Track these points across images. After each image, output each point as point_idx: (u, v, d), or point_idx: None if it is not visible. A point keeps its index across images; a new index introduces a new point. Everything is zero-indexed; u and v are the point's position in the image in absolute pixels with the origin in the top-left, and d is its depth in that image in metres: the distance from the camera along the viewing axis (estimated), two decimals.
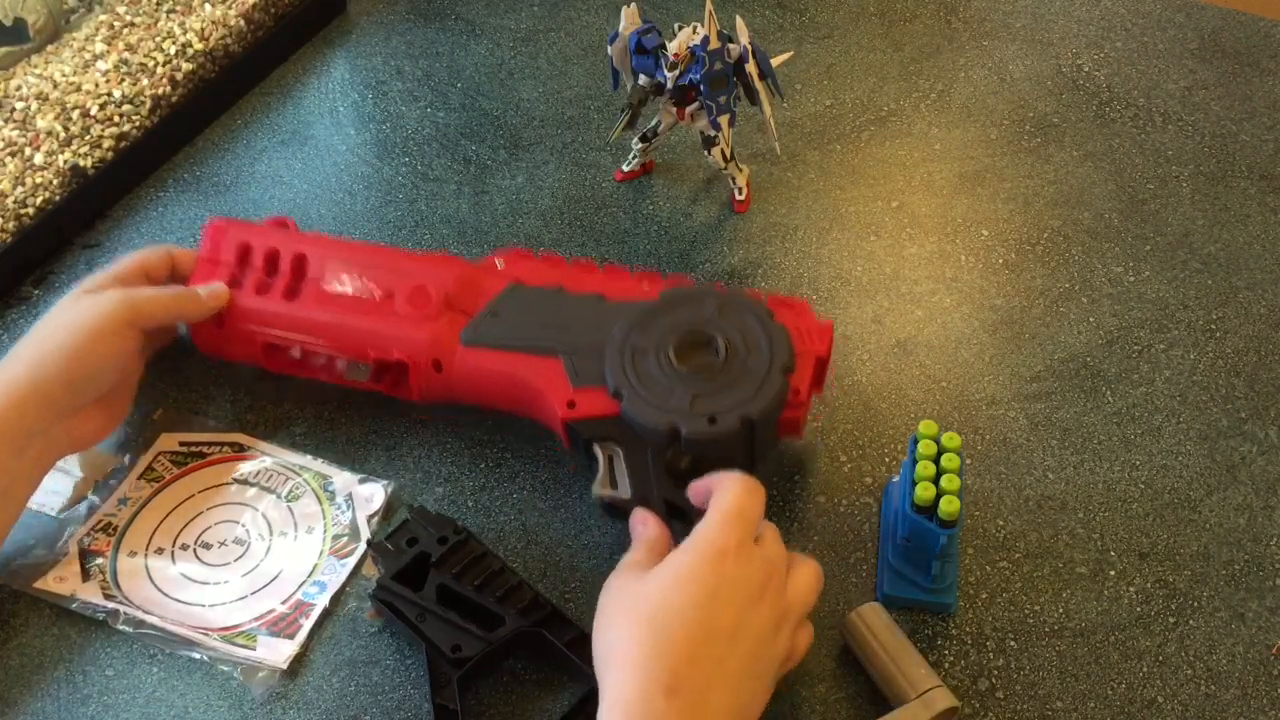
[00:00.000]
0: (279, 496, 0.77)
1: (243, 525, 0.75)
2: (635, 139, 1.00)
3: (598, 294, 0.72)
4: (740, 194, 0.99)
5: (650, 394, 0.65)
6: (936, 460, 0.69)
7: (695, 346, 0.66)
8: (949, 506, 0.67)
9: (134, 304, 0.73)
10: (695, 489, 0.64)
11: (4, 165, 0.91)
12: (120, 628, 0.70)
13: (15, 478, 0.69)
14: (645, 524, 0.65)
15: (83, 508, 0.76)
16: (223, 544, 0.74)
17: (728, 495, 0.60)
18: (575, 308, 0.71)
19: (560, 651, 0.67)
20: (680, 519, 0.65)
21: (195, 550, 0.74)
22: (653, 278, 0.75)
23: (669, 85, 0.91)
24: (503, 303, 0.72)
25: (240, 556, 0.73)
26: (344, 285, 0.75)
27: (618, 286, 0.73)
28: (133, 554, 0.73)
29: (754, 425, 0.65)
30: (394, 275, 0.75)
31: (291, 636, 0.69)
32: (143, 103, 1.00)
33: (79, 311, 0.72)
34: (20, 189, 0.91)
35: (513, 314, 0.72)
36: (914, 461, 0.69)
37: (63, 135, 0.95)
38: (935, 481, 0.68)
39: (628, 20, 0.92)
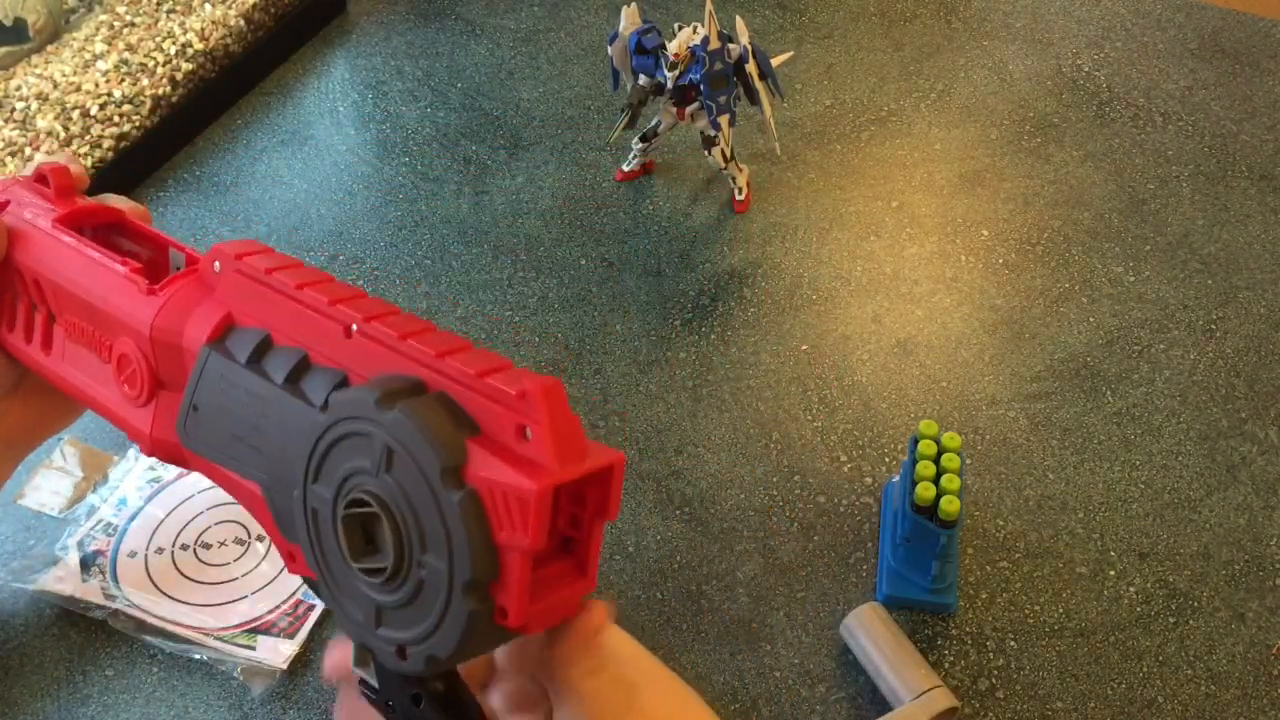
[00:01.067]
0: None
1: (243, 525, 0.75)
2: (635, 139, 1.00)
3: (302, 353, 0.45)
4: (740, 194, 0.99)
5: (340, 588, 0.42)
6: (936, 460, 0.69)
7: (363, 528, 0.41)
8: (949, 506, 0.67)
9: None
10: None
11: (4, 165, 0.91)
12: (120, 628, 0.70)
13: None
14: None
15: (83, 508, 0.76)
16: (223, 544, 0.74)
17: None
18: (267, 397, 0.45)
19: None
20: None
21: (195, 550, 0.74)
22: (382, 324, 0.43)
23: (669, 85, 0.91)
24: (201, 386, 0.48)
25: (240, 556, 0.73)
26: (75, 337, 0.55)
27: (324, 342, 0.44)
28: (133, 554, 0.73)
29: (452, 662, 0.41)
30: (105, 326, 0.53)
31: (291, 636, 0.69)
32: (143, 103, 1.00)
33: None
34: None
35: (212, 407, 0.47)
36: (914, 461, 0.69)
37: (63, 135, 0.95)
38: (935, 481, 0.68)
39: (628, 20, 0.92)
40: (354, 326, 0.42)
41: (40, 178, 0.59)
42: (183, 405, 0.49)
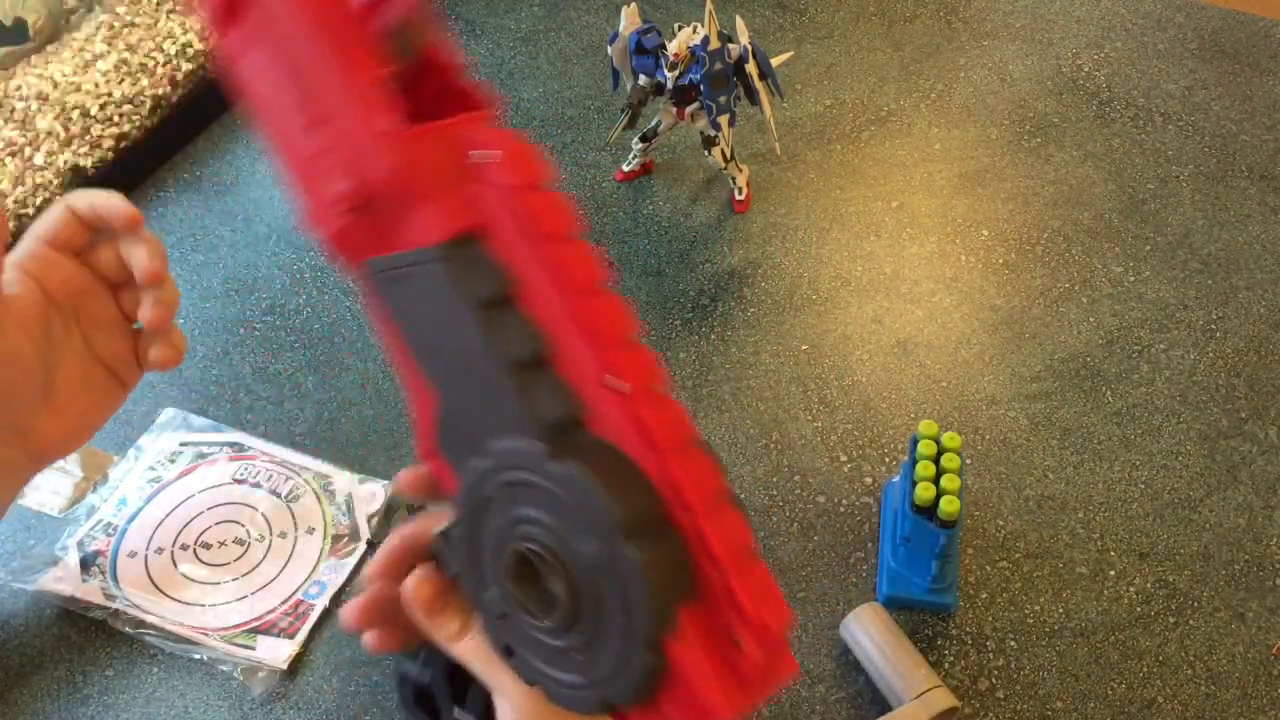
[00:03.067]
0: (279, 496, 0.77)
1: (243, 525, 0.75)
2: (635, 139, 1.00)
3: (541, 344, 0.39)
4: (740, 194, 0.99)
5: (542, 659, 0.40)
6: (936, 460, 0.69)
7: (534, 578, 0.39)
8: (949, 506, 0.67)
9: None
10: None
11: (4, 165, 0.91)
12: (120, 628, 0.70)
13: None
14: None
15: (83, 508, 0.76)
16: (223, 544, 0.74)
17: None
18: (483, 370, 0.39)
19: None
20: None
21: (195, 550, 0.74)
22: (657, 420, 0.39)
23: (669, 85, 0.91)
24: (424, 258, 0.39)
25: (240, 556, 0.73)
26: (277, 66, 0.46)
27: (576, 358, 0.39)
28: (133, 554, 0.73)
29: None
30: (325, 99, 0.41)
31: (291, 636, 0.69)
32: (143, 103, 1.00)
33: None
34: (20, 189, 0.91)
35: (424, 285, 0.40)
36: (914, 461, 0.69)
37: (63, 135, 0.95)
38: (935, 481, 0.68)
39: (628, 20, 0.92)
40: (609, 379, 0.38)
41: None
42: (396, 254, 0.40)
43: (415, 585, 0.43)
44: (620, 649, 0.38)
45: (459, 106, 0.41)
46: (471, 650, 0.44)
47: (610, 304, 0.39)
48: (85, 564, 0.72)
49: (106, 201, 0.58)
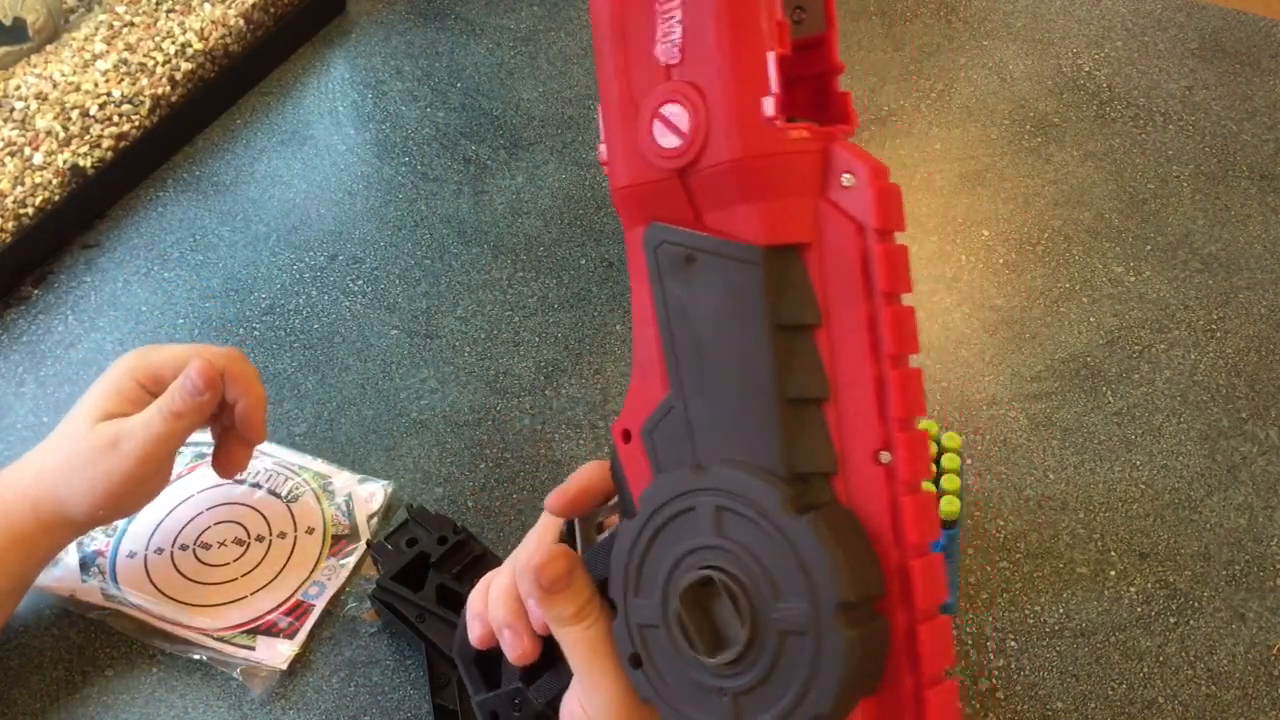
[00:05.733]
0: (279, 496, 0.77)
1: (242, 525, 0.75)
2: None
3: (826, 386, 0.37)
4: None
5: (674, 685, 0.39)
6: (937, 460, 0.69)
7: (706, 605, 0.38)
8: (949, 506, 0.67)
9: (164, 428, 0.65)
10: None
11: (4, 165, 0.91)
12: (120, 628, 0.70)
13: (29, 579, 0.68)
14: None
15: None
16: (222, 544, 0.74)
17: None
18: (777, 372, 0.37)
19: None
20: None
21: (195, 550, 0.74)
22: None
23: None
24: (740, 254, 0.37)
25: (240, 557, 0.73)
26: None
27: (852, 413, 0.36)
28: (132, 554, 0.73)
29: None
30: (705, 47, 0.37)
31: (291, 637, 0.69)
32: (142, 103, 1.00)
33: (109, 470, 0.65)
34: (20, 189, 0.91)
35: (721, 279, 0.37)
36: None
37: (62, 135, 0.95)
38: (935, 482, 0.68)
39: None
40: (884, 456, 0.36)
41: None
42: (664, 238, 0.38)
43: (548, 559, 0.42)
44: (782, 714, 0.36)
45: (829, 110, 0.39)
46: (579, 638, 0.42)
47: (913, 379, 0.36)
48: (85, 564, 0.72)
49: (247, 419, 0.68)
